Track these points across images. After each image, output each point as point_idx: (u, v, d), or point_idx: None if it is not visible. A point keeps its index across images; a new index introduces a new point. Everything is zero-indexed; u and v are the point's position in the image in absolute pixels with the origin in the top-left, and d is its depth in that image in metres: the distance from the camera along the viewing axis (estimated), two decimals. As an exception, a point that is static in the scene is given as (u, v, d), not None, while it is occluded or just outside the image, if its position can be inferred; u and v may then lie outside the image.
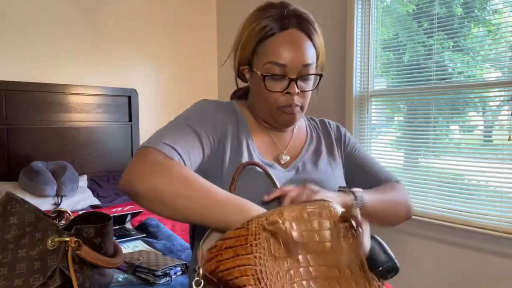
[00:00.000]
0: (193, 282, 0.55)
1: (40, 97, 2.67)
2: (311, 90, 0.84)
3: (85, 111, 2.89)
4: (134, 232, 1.82)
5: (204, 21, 3.59)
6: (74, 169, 2.50)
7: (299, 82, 0.80)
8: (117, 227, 1.84)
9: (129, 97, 3.09)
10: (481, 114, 2.23)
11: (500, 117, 2.11)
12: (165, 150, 0.67)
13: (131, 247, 1.64)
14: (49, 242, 0.60)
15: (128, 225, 1.94)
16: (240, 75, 0.90)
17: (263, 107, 0.84)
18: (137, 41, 3.15)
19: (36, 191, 2.26)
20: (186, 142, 0.73)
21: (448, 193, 2.18)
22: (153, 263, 1.34)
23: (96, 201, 2.50)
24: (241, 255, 0.51)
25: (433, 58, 2.22)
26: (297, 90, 0.79)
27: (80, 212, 0.74)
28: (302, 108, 0.84)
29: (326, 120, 1.03)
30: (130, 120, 3.11)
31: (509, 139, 1.92)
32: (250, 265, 0.50)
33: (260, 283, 0.49)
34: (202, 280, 0.54)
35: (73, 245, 0.60)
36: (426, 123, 2.29)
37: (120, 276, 1.32)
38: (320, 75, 0.85)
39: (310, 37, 0.82)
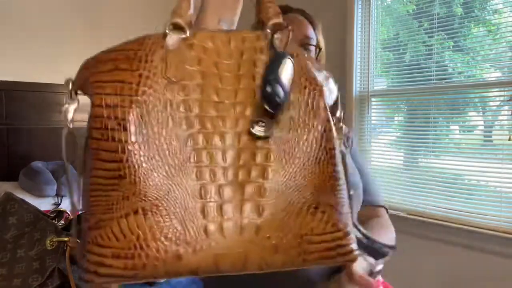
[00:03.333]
0: (64, 100, 0.44)
1: (40, 97, 2.67)
2: None
3: (85, 111, 2.88)
4: (134, 232, 1.83)
5: (204, 21, 3.59)
6: (74, 169, 2.50)
7: None
8: (117, 227, 1.84)
9: (129, 97, 3.09)
10: (481, 114, 2.23)
11: (500, 117, 2.11)
12: None
13: (131, 247, 1.64)
14: (48, 242, 0.60)
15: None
16: None
17: None
18: (137, 41, 3.15)
19: (36, 191, 2.26)
20: None
21: (448, 193, 2.17)
22: (152, 263, 1.34)
23: (96, 201, 2.49)
24: (123, 69, 0.38)
25: (433, 58, 2.22)
26: None
27: (80, 212, 0.74)
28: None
29: None
30: (130, 120, 3.11)
31: (509, 139, 1.92)
32: (131, 83, 0.38)
33: (138, 107, 0.37)
34: (72, 95, 0.44)
35: (72, 245, 0.60)
36: (426, 123, 2.28)
37: (120, 276, 1.32)
38: (320, 48, 0.89)
39: (310, 23, 0.89)
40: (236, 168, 0.38)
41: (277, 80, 0.37)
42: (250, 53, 0.41)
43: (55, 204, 2.30)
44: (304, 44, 0.85)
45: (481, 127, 2.22)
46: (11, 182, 2.40)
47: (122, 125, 0.37)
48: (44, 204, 2.21)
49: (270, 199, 0.37)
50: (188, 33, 0.41)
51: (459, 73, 2.24)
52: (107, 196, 0.36)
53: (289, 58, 0.39)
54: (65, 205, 2.27)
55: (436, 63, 2.21)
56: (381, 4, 2.47)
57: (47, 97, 2.70)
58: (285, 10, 0.87)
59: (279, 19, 0.43)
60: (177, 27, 0.42)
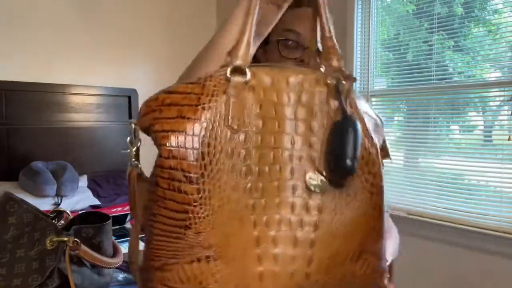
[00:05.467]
0: (127, 141, 0.45)
1: (40, 97, 2.67)
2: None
3: (85, 111, 2.89)
4: (134, 232, 1.82)
5: (204, 21, 3.59)
6: (74, 169, 2.50)
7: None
8: (117, 227, 1.83)
9: (129, 97, 3.09)
10: (481, 114, 2.23)
11: (500, 117, 2.11)
12: None
13: (130, 247, 1.63)
14: (48, 242, 0.60)
15: (128, 225, 1.94)
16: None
17: None
18: (137, 41, 3.15)
19: (36, 191, 2.26)
20: None
21: (448, 193, 2.17)
22: (152, 263, 1.33)
23: (96, 201, 2.50)
24: (187, 118, 0.39)
25: (433, 58, 2.21)
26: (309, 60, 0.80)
27: (80, 212, 0.74)
28: None
29: None
30: (130, 120, 3.11)
31: (508, 139, 1.92)
32: (195, 135, 0.38)
33: (203, 159, 0.38)
34: (135, 136, 0.44)
35: (71, 245, 0.60)
36: (426, 123, 2.28)
37: (120, 276, 1.32)
38: None
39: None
40: (290, 219, 0.40)
41: (347, 155, 0.38)
42: (309, 98, 0.42)
43: (55, 204, 2.30)
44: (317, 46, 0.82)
45: (481, 127, 2.22)
46: (11, 182, 2.40)
47: (188, 178, 0.38)
48: (44, 204, 2.21)
49: (319, 249, 0.40)
50: (248, 75, 0.41)
51: (459, 73, 2.24)
52: (172, 243, 0.39)
53: (357, 124, 0.40)
54: (65, 205, 2.27)
55: (436, 63, 2.21)
56: (381, 4, 2.47)
57: (47, 97, 2.70)
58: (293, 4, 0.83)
59: (342, 66, 0.43)
60: (238, 70, 0.41)
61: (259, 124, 0.40)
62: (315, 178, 0.40)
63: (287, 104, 0.41)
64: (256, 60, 0.90)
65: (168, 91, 0.42)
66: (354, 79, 0.43)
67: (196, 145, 0.38)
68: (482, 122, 2.23)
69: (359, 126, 0.40)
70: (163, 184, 0.39)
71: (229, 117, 0.39)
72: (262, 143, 0.40)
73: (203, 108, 0.39)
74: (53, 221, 0.66)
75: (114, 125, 3.04)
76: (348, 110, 0.41)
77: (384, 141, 0.46)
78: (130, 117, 3.11)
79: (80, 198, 2.42)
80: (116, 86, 3.03)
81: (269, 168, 0.39)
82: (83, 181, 2.63)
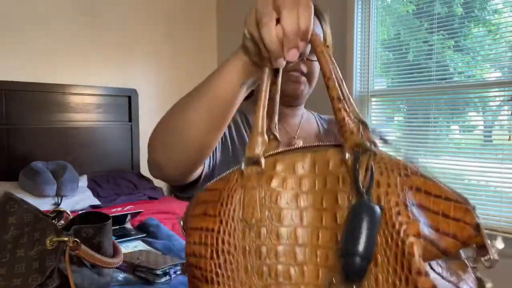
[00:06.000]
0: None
1: (40, 97, 2.67)
2: (316, 60, 0.83)
3: (85, 111, 2.89)
4: (134, 232, 1.83)
5: (204, 21, 3.59)
6: (74, 169, 2.50)
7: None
8: (117, 227, 1.84)
9: (129, 97, 3.09)
10: (481, 114, 2.23)
11: (500, 117, 2.11)
12: None
13: (130, 247, 1.64)
14: (48, 242, 0.60)
15: (128, 225, 1.94)
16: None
17: None
18: (137, 41, 3.15)
19: (36, 191, 2.26)
20: None
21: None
22: (152, 262, 1.34)
23: (96, 201, 2.50)
24: (208, 215, 0.39)
25: (433, 58, 2.21)
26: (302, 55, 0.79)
27: (80, 212, 0.74)
28: (308, 77, 0.83)
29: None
30: (130, 120, 3.11)
31: (509, 139, 1.92)
32: (213, 230, 0.38)
33: (218, 258, 0.38)
34: (184, 230, 0.44)
35: (71, 245, 0.60)
36: (426, 123, 2.28)
37: (120, 276, 1.32)
38: (327, 46, 0.84)
39: (317, 16, 0.82)
40: None
41: (357, 252, 0.33)
42: (333, 182, 0.37)
43: (55, 204, 2.30)
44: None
45: (481, 127, 2.22)
46: (11, 182, 2.40)
47: (204, 277, 0.39)
48: (44, 204, 2.21)
49: None
50: (263, 165, 0.39)
51: (459, 73, 2.24)
52: None
53: (375, 209, 0.34)
54: (65, 205, 2.27)
55: (436, 63, 2.21)
56: (381, 4, 2.47)
57: (47, 97, 2.70)
58: None
59: (359, 138, 0.38)
60: (252, 162, 0.40)
61: (275, 218, 0.37)
62: (328, 278, 0.36)
63: (306, 192, 0.38)
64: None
65: (205, 188, 0.42)
66: (374, 153, 0.37)
67: (213, 242, 0.38)
68: (482, 122, 2.23)
69: (377, 210, 0.34)
70: (189, 283, 0.41)
71: (244, 212, 0.38)
72: (278, 240, 0.37)
73: (221, 204, 0.39)
74: (53, 221, 0.66)
75: (114, 125, 3.04)
76: (364, 190, 0.35)
77: (478, 226, 0.36)
78: (130, 117, 3.11)
79: (80, 198, 2.42)
80: (116, 86, 3.03)
81: (287, 270, 0.36)
82: (83, 181, 2.63)
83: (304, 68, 0.81)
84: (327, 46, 0.85)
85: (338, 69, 0.42)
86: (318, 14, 0.83)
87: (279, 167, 0.39)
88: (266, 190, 0.38)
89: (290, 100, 0.85)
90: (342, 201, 0.36)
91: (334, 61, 0.43)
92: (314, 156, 0.39)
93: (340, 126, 0.39)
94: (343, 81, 0.42)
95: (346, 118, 0.38)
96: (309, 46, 0.80)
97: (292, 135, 0.86)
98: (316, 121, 0.95)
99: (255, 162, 0.39)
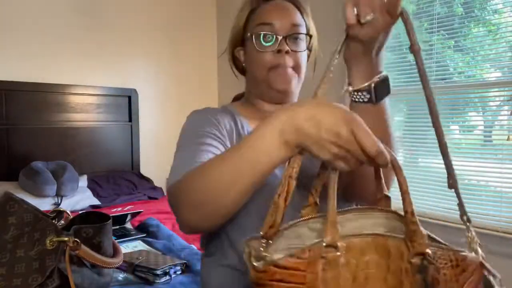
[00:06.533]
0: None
1: (40, 97, 2.67)
2: (303, 51, 0.82)
3: (85, 111, 2.89)
4: (134, 232, 1.83)
5: (204, 21, 3.59)
6: (74, 169, 2.50)
7: (289, 43, 0.79)
8: (117, 227, 1.84)
9: (129, 97, 3.09)
10: (481, 114, 2.23)
11: (500, 117, 2.11)
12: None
13: (130, 247, 1.64)
14: (48, 242, 0.60)
15: (128, 225, 1.94)
16: (235, 63, 0.90)
17: (257, 76, 0.82)
18: (137, 41, 3.15)
19: (36, 191, 2.26)
20: (201, 155, 0.70)
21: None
22: (152, 262, 1.34)
23: (96, 201, 2.50)
24: None
25: (433, 58, 2.21)
26: (286, 48, 0.78)
27: (80, 212, 0.74)
28: (296, 69, 0.81)
29: None
30: (130, 120, 3.11)
31: (508, 139, 1.92)
32: None
33: None
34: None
35: (71, 245, 0.60)
36: (426, 123, 2.28)
37: (120, 276, 1.32)
38: (310, 36, 0.84)
39: (298, 8, 0.83)
40: None
41: None
42: (396, 269, 0.45)
43: (55, 204, 2.30)
44: (293, 33, 0.79)
45: (481, 127, 2.22)
46: (11, 182, 2.40)
47: None
48: (44, 204, 2.22)
49: None
50: (340, 250, 0.44)
51: (459, 73, 2.24)
52: None
53: None
54: (65, 205, 2.28)
55: (436, 63, 2.21)
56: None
57: (47, 97, 2.70)
58: None
59: (425, 249, 0.46)
60: (331, 246, 0.44)
61: None
62: None
63: (379, 272, 0.44)
64: (237, 60, 0.89)
65: (276, 265, 0.44)
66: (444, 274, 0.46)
67: None
68: (482, 122, 2.23)
69: None
70: None
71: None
72: None
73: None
74: (53, 221, 0.66)
75: (114, 125, 3.04)
76: None
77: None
78: (130, 117, 3.12)
79: (80, 198, 2.42)
80: (116, 86, 3.03)
81: None
82: (83, 181, 2.63)
83: (290, 62, 0.79)
84: (311, 36, 0.83)
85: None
86: (298, 6, 0.83)
87: (354, 251, 0.45)
88: (345, 272, 0.44)
89: (282, 97, 0.83)
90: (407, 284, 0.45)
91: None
92: (376, 242, 0.46)
93: (412, 233, 0.47)
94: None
95: (418, 231, 0.47)
96: (298, 37, 0.79)
97: None
98: None
99: (334, 246, 0.44)
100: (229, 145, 0.78)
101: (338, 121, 0.46)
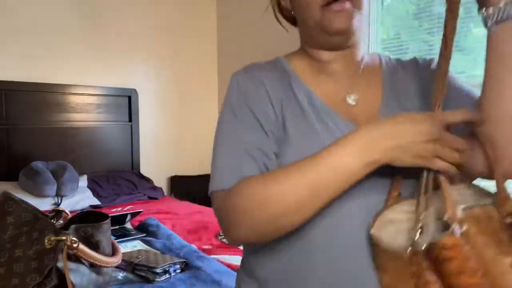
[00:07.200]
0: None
1: (40, 97, 2.68)
2: None
3: (85, 111, 2.89)
4: (134, 232, 1.83)
5: (204, 21, 3.59)
6: (74, 169, 2.50)
7: None
8: (117, 227, 1.84)
9: (129, 97, 3.10)
10: (481, 114, 2.23)
11: (500, 117, 2.10)
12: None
13: (129, 246, 1.64)
14: (46, 241, 0.60)
15: (128, 225, 1.94)
16: (283, 13, 0.76)
17: (308, 19, 0.67)
18: (137, 41, 3.15)
19: (36, 191, 2.26)
20: (247, 153, 0.63)
21: None
22: (152, 261, 1.34)
23: (96, 201, 2.50)
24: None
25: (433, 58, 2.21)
26: None
27: (79, 212, 0.74)
28: (354, 2, 0.64)
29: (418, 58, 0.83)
30: (130, 120, 3.11)
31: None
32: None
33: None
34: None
35: (69, 243, 0.60)
36: (426, 123, 2.28)
37: (120, 275, 1.32)
38: None
39: None
40: None
41: None
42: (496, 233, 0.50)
43: (55, 204, 2.30)
44: None
45: (481, 127, 2.22)
46: (11, 182, 2.40)
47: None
48: (44, 204, 2.22)
49: None
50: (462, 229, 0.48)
51: (459, 73, 2.24)
52: None
53: None
54: (65, 205, 2.28)
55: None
56: (381, 4, 2.47)
57: (47, 97, 2.71)
58: None
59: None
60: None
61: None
62: None
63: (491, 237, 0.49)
64: (284, 10, 0.75)
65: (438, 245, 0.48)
66: None
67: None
68: (482, 122, 2.23)
69: None
70: None
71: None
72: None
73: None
74: (52, 220, 0.66)
75: (114, 125, 3.04)
76: None
77: None
78: (130, 117, 3.12)
79: (80, 198, 2.42)
80: (116, 86, 3.04)
81: None
82: (83, 181, 2.63)
83: None
84: None
85: None
86: None
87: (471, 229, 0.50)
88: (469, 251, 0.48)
89: (342, 40, 0.68)
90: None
91: None
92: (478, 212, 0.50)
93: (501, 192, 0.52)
94: None
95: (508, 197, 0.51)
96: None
97: (346, 88, 0.70)
98: (380, 65, 0.77)
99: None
100: (273, 118, 0.66)
101: (420, 122, 0.54)
